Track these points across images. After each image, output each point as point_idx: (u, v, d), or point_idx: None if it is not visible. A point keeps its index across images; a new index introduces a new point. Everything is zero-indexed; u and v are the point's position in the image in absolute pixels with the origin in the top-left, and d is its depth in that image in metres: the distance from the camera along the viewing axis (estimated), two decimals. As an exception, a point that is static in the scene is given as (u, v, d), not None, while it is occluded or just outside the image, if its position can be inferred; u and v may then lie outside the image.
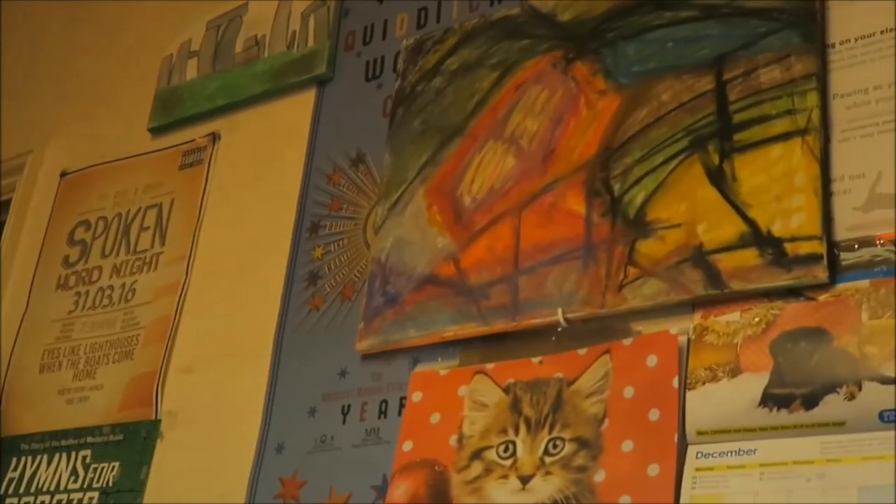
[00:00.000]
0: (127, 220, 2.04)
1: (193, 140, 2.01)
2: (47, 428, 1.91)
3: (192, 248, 1.90)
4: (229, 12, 2.08)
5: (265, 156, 1.90)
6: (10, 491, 1.89)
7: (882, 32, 1.33)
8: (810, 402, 1.19)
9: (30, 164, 2.29)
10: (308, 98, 1.88)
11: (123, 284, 1.97)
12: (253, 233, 1.84)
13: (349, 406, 1.56)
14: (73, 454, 1.84)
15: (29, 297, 2.11)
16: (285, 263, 1.75)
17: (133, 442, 1.78)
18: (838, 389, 1.17)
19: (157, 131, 2.10)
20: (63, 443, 1.87)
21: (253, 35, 2.02)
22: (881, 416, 1.14)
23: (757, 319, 1.27)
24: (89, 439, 1.84)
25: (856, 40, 1.35)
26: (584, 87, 1.52)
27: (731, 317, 1.29)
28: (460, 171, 1.59)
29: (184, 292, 1.87)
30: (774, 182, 1.30)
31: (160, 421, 1.78)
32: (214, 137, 1.99)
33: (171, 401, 1.79)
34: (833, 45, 1.36)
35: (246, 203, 1.88)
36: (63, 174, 2.21)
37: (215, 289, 1.84)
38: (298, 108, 1.88)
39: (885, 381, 1.15)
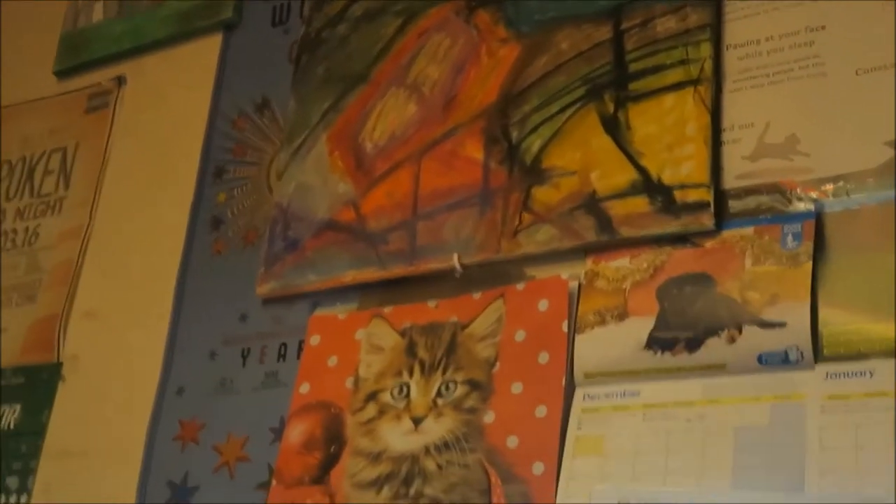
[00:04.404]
0: (31, 164, 2.01)
1: (99, 83, 1.99)
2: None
3: (95, 192, 1.88)
4: (136, -46, 2.05)
5: (171, 100, 1.88)
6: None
7: (776, -16, 1.35)
8: (693, 345, 1.21)
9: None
10: (214, 43, 1.86)
11: (27, 228, 1.95)
12: (157, 178, 1.83)
13: (249, 350, 1.57)
14: (-25, 398, 1.83)
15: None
16: (189, 208, 1.74)
17: (34, 385, 1.77)
18: (720, 333, 1.20)
19: (62, 74, 2.07)
20: (-36, 386, 1.86)
21: (160, -23, 1.99)
22: (759, 358, 1.17)
23: (645, 265, 1.29)
24: (-9, 382, 1.83)
25: (751, -9, 1.37)
26: (485, 36, 1.53)
27: (620, 262, 1.31)
28: (362, 118, 1.59)
29: (87, 237, 1.86)
30: (666, 131, 1.32)
31: (62, 364, 1.77)
32: (120, 81, 1.97)
33: (74, 345, 1.78)
34: (729, -4, 1.38)
35: (150, 148, 1.86)
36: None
37: (118, 233, 1.83)
38: (204, 53, 1.86)
39: (764, 325, 1.18)
